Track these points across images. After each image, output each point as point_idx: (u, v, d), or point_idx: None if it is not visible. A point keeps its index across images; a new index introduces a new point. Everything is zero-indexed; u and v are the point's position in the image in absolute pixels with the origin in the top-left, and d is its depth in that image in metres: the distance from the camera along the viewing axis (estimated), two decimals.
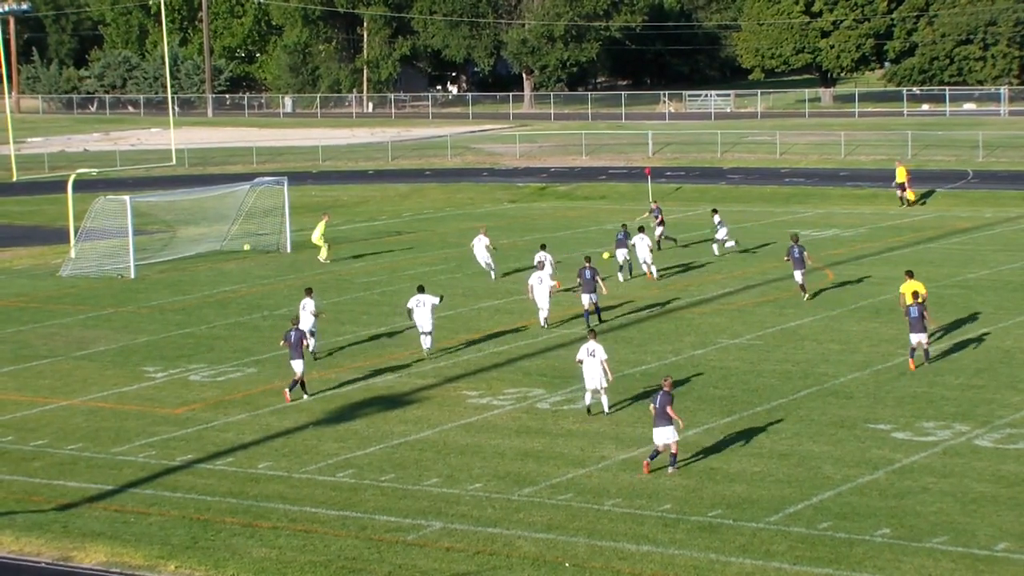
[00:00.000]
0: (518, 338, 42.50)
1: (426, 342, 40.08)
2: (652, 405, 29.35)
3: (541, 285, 43.32)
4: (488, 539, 25.70)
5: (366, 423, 33.61)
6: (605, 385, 33.36)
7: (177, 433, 33.23)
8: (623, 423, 32.93)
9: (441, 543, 25.57)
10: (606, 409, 33.66)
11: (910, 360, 37.17)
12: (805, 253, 46.91)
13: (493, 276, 52.51)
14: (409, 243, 63.37)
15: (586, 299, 43.32)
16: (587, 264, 43.59)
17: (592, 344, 33.20)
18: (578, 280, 44.05)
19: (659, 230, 58.79)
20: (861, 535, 25.34)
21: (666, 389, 29.34)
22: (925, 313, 36.82)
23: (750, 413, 33.55)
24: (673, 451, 29.15)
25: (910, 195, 72.73)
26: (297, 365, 35.83)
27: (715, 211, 58.68)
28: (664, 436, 29.04)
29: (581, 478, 29.02)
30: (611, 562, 24.49)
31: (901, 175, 73.08)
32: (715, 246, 56.94)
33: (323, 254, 58.91)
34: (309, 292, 40.87)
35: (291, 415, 34.45)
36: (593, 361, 33.02)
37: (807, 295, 46.98)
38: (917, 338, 37.03)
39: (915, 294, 38.41)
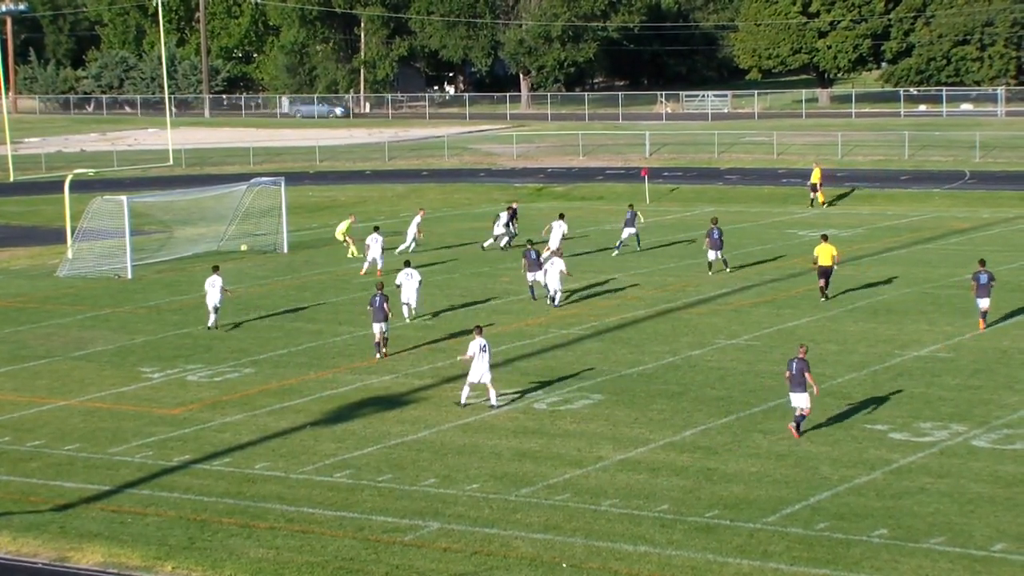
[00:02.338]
0: (515, 338, 42.49)
1: (405, 311, 44.30)
2: (788, 372, 31.48)
3: (553, 267, 46.73)
4: (485, 539, 25.69)
5: (363, 423, 33.60)
6: (491, 379, 34.33)
7: (174, 433, 33.21)
8: (620, 424, 32.93)
9: (438, 543, 25.57)
10: (494, 402, 34.47)
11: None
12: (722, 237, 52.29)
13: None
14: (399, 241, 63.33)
15: (530, 276, 47.64)
16: (530, 245, 48.56)
17: (481, 340, 34.31)
18: (523, 261, 48.26)
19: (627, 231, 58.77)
20: (858, 536, 25.35)
21: (801, 356, 31.50)
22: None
23: (747, 414, 33.55)
24: (806, 413, 31.43)
25: (820, 196, 73.66)
26: (376, 328, 40.02)
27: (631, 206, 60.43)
28: (800, 400, 31.30)
29: (578, 478, 29.02)
30: (608, 563, 24.49)
31: (816, 176, 74.15)
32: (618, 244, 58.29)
33: (352, 251, 59.00)
34: (216, 269, 45.92)
35: (288, 416, 34.45)
36: (484, 355, 34.13)
37: (728, 269, 52.01)
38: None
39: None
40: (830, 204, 74.11)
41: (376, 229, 54.59)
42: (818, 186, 73.82)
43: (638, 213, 59.44)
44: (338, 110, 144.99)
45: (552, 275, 46.62)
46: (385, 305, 40.03)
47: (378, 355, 40.12)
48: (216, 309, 44.97)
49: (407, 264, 45.34)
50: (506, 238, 60.48)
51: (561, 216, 57.69)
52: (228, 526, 26.76)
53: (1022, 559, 24.16)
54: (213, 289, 44.83)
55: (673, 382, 36.72)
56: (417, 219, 60.31)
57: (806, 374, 31.26)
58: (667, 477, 28.93)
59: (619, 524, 26.28)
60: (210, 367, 39.89)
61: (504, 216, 61.12)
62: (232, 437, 32.80)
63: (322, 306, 48.82)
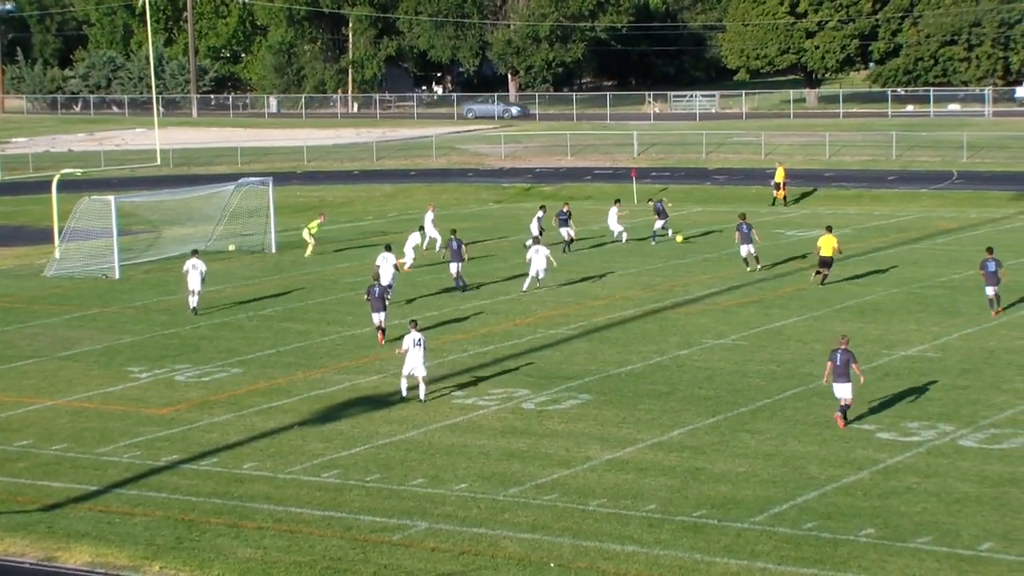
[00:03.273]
0: (503, 338, 42.52)
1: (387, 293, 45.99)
2: (830, 363, 32.18)
3: (538, 254, 49.72)
4: (473, 539, 25.70)
5: (351, 423, 33.59)
6: (424, 373, 35.00)
7: (162, 433, 33.19)
8: (608, 424, 32.96)
9: (426, 543, 25.57)
10: (422, 396, 35.06)
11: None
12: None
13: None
14: (395, 243, 63.21)
15: (454, 267, 48.58)
16: (452, 236, 49.18)
17: (416, 334, 34.95)
18: (446, 251, 49.48)
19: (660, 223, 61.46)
20: (846, 535, 25.39)
21: (845, 347, 32.16)
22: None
23: (735, 413, 33.60)
24: (850, 404, 32.16)
25: (780, 194, 74.81)
26: (376, 317, 41.67)
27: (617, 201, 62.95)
28: (844, 391, 32.05)
29: (566, 478, 29.04)
30: (596, 562, 24.51)
31: (780, 175, 75.34)
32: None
33: (308, 251, 59.15)
34: (195, 253, 48.17)
35: (276, 416, 34.43)
36: (418, 349, 34.80)
37: (760, 266, 52.99)
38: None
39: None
40: (794, 202, 74.56)
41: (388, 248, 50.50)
42: (782, 185, 75.16)
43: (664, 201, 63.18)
44: (514, 109, 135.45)
45: (539, 260, 49.46)
46: (386, 295, 42.45)
47: (383, 341, 41.68)
48: (195, 292, 46.91)
49: (388, 248, 48.69)
50: (568, 237, 59.80)
51: (542, 208, 60.56)
52: (216, 526, 26.75)
53: (1009, 558, 24.22)
54: (194, 271, 46.77)
55: (661, 382, 36.76)
56: (429, 215, 60.80)
57: (852, 364, 32.00)
58: (655, 477, 28.95)
59: (607, 524, 26.31)
60: (198, 367, 39.86)
61: (540, 215, 60.26)
62: (220, 437, 32.78)
63: (310, 306, 48.80)
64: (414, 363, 34.97)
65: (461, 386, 36.79)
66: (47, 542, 26.10)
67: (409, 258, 54.59)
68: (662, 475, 29.04)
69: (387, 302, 42.52)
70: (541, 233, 57.17)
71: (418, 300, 48.95)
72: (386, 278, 46.51)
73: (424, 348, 35.11)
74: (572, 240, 59.67)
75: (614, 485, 28.50)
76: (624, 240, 60.93)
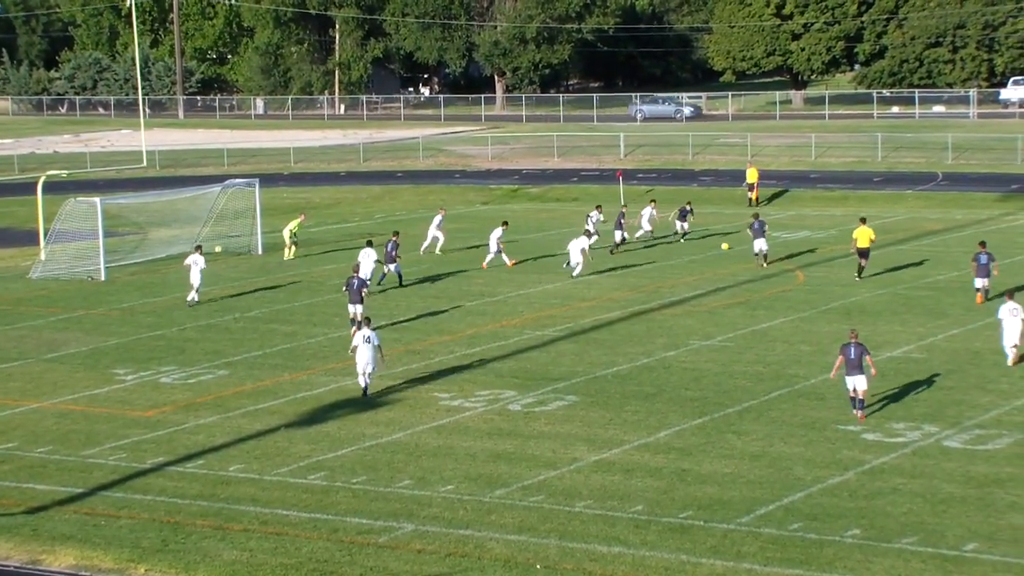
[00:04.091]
0: (490, 339, 42.53)
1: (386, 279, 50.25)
2: (841, 357, 32.80)
3: (575, 245, 52.89)
4: (460, 541, 25.70)
5: (337, 425, 33.57)
6: (371, 369, 35.65)
7: (148, 436, 33.14)
8: (595, 425, 32.98)
9: (413, 545, 25.57)
10: (365, 387, 35.82)
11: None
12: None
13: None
14: (381, 245, 63.19)
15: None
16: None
17: (367, 331, 35.77)
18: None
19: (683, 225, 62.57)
20: (831, 536, 25.44)
21: (856, 340, 32.81)
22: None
23: (721, 415, 33.64)
24: (862, 397, 32.80)
25: (754, 195, 75.87)
26: (352, 308, 43.13)
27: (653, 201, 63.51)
28: (860, 383, 32.69)
29: (553, 480, 29.06)
30: (582, 564, 24.52)
31: (752, 176, 76.35)
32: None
33: (290, 252, 59.16)
34: (199, 249, 49.90)
35: (263, 417, 34.40)
36: (367, 346, 35.45)
37: (767, 264, 54.10)
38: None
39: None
40: (767, 202, 74.88)
41: (369, 244, 52.24)
42: (755, 186, 76.04)
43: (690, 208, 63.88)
44: (687, 110, 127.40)
45: (575, 251, 52.86)
46: (363, 289, 43.41)
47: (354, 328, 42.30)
48: (195, 287, 48.59)
49: (369, 243, 51.10)
50: (620, 239, 60.01)
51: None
52: (202, 528, 26.72)
53: (993, 559, 24.28)
54: (195, 267, 48.59)
55: (647, 383, 36.79)
56: (438, 218, 60.77)
57: (866, 357, 32.64)
58: (641, 478, 28.98)
59: (593, 525, 26.32)
60: (184, 369, 39.82)
61: (595, 215, 60.96)
62: (206, 439, 32.75)
63: (296, 307, 48.77)
64: (365, 359, 35.65)
65: (447, 388, 36.79)
66: (32, 545, 26.05)
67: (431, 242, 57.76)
68: (649, 476, 29.07)
69: (364, 296, 43.50)
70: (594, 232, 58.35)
71: (417, 300, 48.97)
72: (365, 272, 47.51)
73: (374, 345, 35.61)
74: (624, 241, 60.05)
75: (601, 486, 28.52)
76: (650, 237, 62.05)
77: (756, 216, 56.13)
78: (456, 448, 31.48)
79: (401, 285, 51.80)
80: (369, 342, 35.65)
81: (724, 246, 59.67)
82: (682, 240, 62.10)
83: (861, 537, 25.34)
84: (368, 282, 45.88)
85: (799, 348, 40.27)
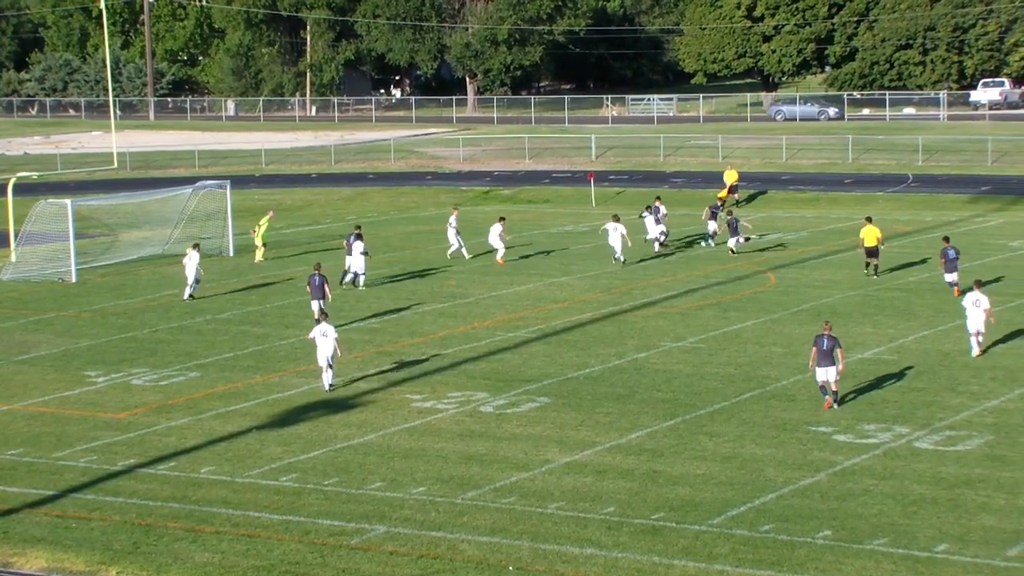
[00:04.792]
0: (462, 341, 42.53)
1: (349, 277, 51.67)
2: (815, 348, 33.61)
3: (615, 232, 55.60)
4: (431, 543, 25.70)
5: (309, 427, 33.53)
6: (327, 363, 36.55)
7: (119, 438, 33.05)
8: (567, 427, 33.01)
9: (384, 547, 25.56)
10: (327, 385, 36.70)
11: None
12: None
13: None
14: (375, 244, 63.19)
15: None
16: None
17: (324, 326, 36.63)
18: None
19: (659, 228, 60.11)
20: (803, 537, 25.51)
21: (829, 332, 33.69)
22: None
23: (693, 416, 33.71)
24: (835, 388, 33.71)
25: (724, 193, 75.50)
26: (315, 305, 44.10)
27: (657, 198, 61.72)
28: (826, 374, 33.58)
29: (525, 481, 29.08)
30: (554, 565, 24.55)
31: (732, 177, 76.70)
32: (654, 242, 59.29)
33: (258, 256, 59.03)
34: (196, 247, 51.27)
35: (234, 419, 34.33)
36: (326, 340, 36.37)
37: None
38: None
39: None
40: (736, 204, 75.27)
41: (358, 233, 52.89)
42: (736, 187, 76.50)
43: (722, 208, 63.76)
44: (832, 111, 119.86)
45: (615, 237, 55.25)
46: (325, 286, 44.41)
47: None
48: (195, 282, 50.38)
49: (359, 236, 51.95)
50: (661, 235, 59.96)
51: (502, 219, 59.39)
52: (173, 530, 26.65)
53: (964, 560, 24.38)
54: (190, 262, 50.09)
55: (619, 385, 36.84)
56: (452, 220, 59.32)
57: (837, 349, 33.50)
58: (613, 480, 29.02)
59: (565, 526, 26.35)
60: (155, 371, 39.71)
61: (659, 208, 60.54)
62: (177, 441, 32.67)
63: (268, 309, 48.69)
64: (324, 353, 36.53)
65: (419, 390, 36.79)
66: (2, 547, 25.94)
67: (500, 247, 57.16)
68: (621, 478, 29.11)
69: (327, 291, 44.54)
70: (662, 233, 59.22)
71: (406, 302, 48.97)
72: (357, 266, 51.36)
73: (331, 339, 36.40)
74: (664, 235, 59.97)
75: (573, 488, 28.55)
76: (660, 242, 59.89)
77: (730, 213, 56.94)
78: (428, 450, 31.48)
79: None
80: (327, 336, 36.44)
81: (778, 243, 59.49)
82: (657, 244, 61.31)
83: (832, 538, 25.43)
84: (361, 276, 50.28)
85: (771, 350, 40.38)
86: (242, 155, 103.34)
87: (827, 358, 33.57)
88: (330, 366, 36.66)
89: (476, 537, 25.92)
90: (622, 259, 55.57)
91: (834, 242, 61.41)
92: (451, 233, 58.79)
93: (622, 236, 55.36)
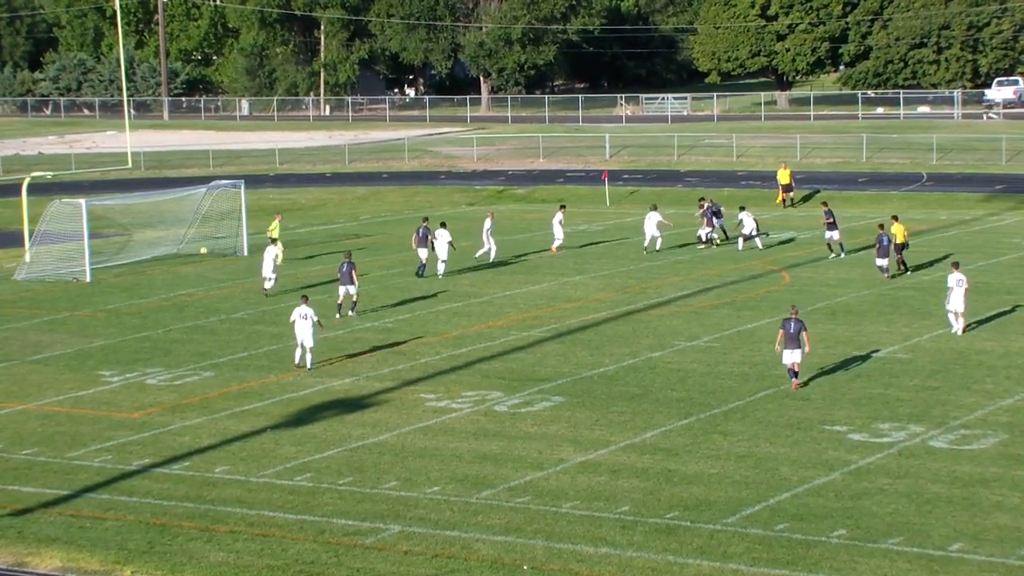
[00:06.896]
0: (476, 341, 42.53)
1: (432, 268, 53.71)
2: (782, 331, 35.16)
3: (649, 221, 58.11)
4: (446, 542, 25.70)
5: (324, 426, 33.55)
6: (311, 344, 38.18)
7: (133, 437, 33.10)
8: (581, 426, 33.00)
9: (399, 546, 25.56)
10: (309, 365, 38.34)
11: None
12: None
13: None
14: (366, 246, 63.27)
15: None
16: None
17: (304, 308, 38.08)
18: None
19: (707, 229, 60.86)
20: (818, 536, 25.48)
21: (795, 316, 35.28)
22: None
23: (707, 415, 33.68)
24: (797, 370, 35.36)
25: (780, 197, 75.48)
26: (342, 290, 45.51)
27: (742, 208, 61.19)
28: (792, 357, 35.19)
29: (539, 480, 29.07)
30: (569, 564, 24.54)
31: (785, 177, 75.90)
32: (740, 240, 59.65)
33: (279, 257, 58.95)
34: (273, 241, 52.38)
35: (249, 419, 34.37)
36: (305, 322, 37.98)
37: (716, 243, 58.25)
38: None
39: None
40: (792, 204, 74.98)
41: (443, 225, 54.77)
42: (791, 187, 75.57)
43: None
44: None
45: (650, 225, 57.72)
46: (352, 272, 45.21)
47: (337, 315, 45.56)
48: (267, 278, 50.78)
49: (443, 224, 54.16)
50: (714, 235, 60.67)
51: (562, 206, 62.28)
52: (188, 530, 26.69)
53: (979, 558, 24.34)
54: (268, 256, 50.83)
55: (633, 384, 36.81)
56: (488, 223, 56.95)
57: (803, 333, 35.02)
58: (627, 479, 29.00)
59: (580, 526, 26.34)
60: (169, 370, 39.76)
61: (710, 206, 61.27)
62: (192, 441, 32.71)
63: (283, 309, 48.68)
64: (303, 335, 38.12)
65: (433, 389, 36.79)
66: (17, 547, 25.99)
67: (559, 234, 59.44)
68: (635, 477, 29.09)
69: (355, 277, 45.33)
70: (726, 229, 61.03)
71: (411, 301, 48.97)
72: (441, 253, 53.37)
73: (312, 322, 37.99)
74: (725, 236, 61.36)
75: (587, 487, 28.53)
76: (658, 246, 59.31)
77: (825, 204, 58.72)
78: (442, 449, 31.48)
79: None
80: (307, 319, 37.91)
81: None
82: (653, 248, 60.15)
83: (847, 537, 25.39)
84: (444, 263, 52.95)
85: None
86: (256, 155, 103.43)
87: (794, 341, 35.04)
88: (309, 349, 38.03)
89: (490, 536, 25.92)
90: (657, 246, 57.93)
91: (848, 241, 61.25)
92: (485, 235, 57.94)
93: (657, 224, 57.71)
